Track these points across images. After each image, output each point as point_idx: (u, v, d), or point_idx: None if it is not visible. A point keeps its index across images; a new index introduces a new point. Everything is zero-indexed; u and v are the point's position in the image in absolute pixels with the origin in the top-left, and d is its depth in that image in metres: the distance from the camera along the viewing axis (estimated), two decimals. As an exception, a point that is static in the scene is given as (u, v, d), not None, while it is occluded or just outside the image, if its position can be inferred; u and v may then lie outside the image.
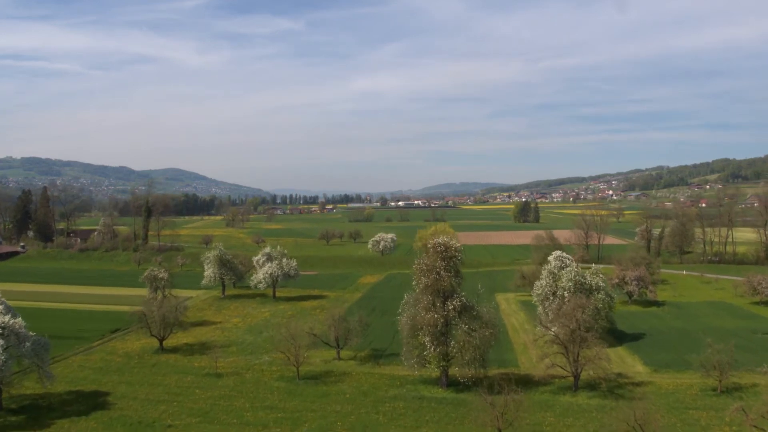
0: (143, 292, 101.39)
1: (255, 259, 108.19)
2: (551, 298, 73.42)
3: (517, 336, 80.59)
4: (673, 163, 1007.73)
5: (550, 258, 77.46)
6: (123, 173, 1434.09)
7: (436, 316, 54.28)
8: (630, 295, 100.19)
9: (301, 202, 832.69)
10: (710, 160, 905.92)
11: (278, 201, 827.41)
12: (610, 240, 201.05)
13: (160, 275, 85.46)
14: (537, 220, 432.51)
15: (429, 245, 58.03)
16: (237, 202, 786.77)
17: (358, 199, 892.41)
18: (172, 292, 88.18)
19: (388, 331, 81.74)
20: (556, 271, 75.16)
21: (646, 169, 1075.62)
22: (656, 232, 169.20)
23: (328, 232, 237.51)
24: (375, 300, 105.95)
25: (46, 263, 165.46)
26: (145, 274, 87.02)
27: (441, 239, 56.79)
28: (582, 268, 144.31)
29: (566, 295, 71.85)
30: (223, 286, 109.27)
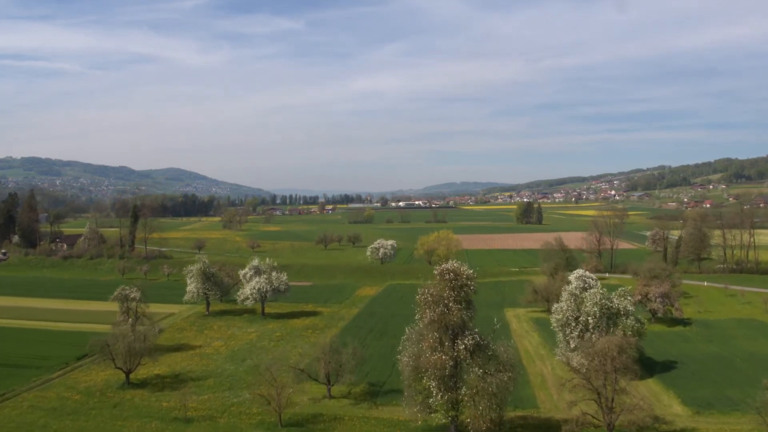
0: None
1: (242, 272, 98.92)
2: (573, 324, 64.30)
3: (533, 365, 71.44)
4: (674, 163, 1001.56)
5: (571, 278, 68.33)
6: (123, 173, 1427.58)
7: (444, 357, 45.12)
8: (654, 313, 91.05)
9: (301, 202, 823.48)
10: (712, 160, 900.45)
11: (278, 201, 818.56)
12: (619, 244, 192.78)
13: (132, 294, 76.34)
14: (540, 221, 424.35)
15: (435, 271, 48.85)
16: (236, 202, 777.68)
17: (359, 199, 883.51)
18: (146, 312, 78.96)
19: (387, 358, 72.59)
20: (578, 292, 66.01)
21: (648, 169, 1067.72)
22: (673, 237, 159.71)
23: (326, 236, 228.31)
24: (373, 318, 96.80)
25: (26, 272, 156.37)
26: (116, 293, 78.01)
27: (449, 264, 47.64)
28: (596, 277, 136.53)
29: (590, 321, 62.85)
30: (208, 303, 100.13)
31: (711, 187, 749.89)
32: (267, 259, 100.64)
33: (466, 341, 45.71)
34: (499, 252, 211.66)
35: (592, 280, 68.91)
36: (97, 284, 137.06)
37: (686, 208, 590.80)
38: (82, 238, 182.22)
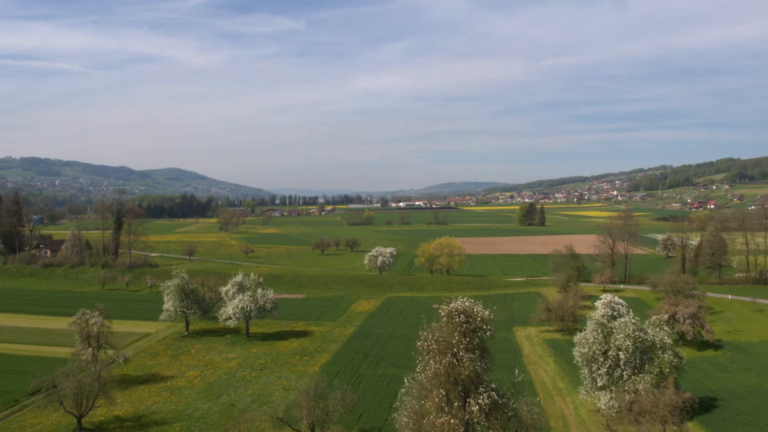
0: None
1: (223, 290, 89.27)
2: (601, 359, 54.91)
3: (551, 402, 61.93)
4: (675, 163, 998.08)
5: (598, 304, 58.91)
6: (123, 173, 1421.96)
7: (452, 420, 35.77)
8: (681, 335, 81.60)
9: (301, 202, 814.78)
10: (714, 160, 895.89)
11: (277, 202, 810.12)
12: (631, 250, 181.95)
13: (92, 320, 66.84)
14: (542, 222, 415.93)
15: (442, 312, 39.45)
16: (235, 202, 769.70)
17: (359, 199, 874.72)
18: (109, 340, 69.35)
19: (383, 394, 63.31)
20: (605, 321, 56.55)
21: (649, 169, 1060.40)
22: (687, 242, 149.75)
23: (323, 241, 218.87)
24: (369, 339, 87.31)
25: (2, 282, 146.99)
26: (73, 319, 68.51)
27: (460, 303, 38.26)
28: (607, 288, 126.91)
29: (622, 356, 53.47)
30: (187, 322, 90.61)
31: (714, 187, 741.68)
32: (252, 275, 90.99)
33: (480, 400, 36.26)
34: (503, 258, 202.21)
35: (622, 307, 59.45)
36: (75, 297, 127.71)
37: (690, 208, 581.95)
38: (65, 243, 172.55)
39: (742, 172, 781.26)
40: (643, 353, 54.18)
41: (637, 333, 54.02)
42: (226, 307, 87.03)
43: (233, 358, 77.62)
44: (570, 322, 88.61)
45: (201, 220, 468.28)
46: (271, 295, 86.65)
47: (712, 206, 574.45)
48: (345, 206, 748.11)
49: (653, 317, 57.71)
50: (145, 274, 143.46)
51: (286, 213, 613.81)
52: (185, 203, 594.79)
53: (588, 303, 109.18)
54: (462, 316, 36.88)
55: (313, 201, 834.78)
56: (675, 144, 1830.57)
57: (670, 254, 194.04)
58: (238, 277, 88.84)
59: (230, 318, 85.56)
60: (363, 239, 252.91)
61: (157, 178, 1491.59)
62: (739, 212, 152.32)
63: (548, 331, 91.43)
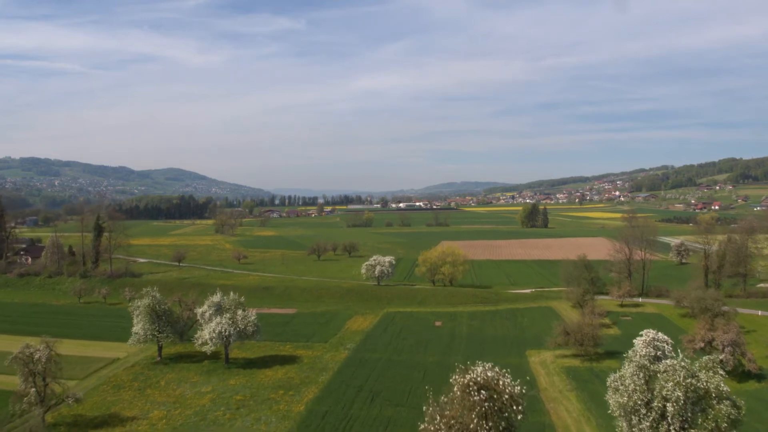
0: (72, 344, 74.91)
1: (199, 311, 79.02)
2: (643, 410, 44.86)
3: (580, 456, 51.94)
4: (676, 162, 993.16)
5: (637, 342, 48.76)
6: (122, 173, 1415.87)
7: None
8: (721, 365, 71.40)
9: (300, 203, 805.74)
10: (716, 160, 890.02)
11: (276, 202, 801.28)
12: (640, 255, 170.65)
13: (37, 356, 56.74)
14: (545, 224, 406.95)
15: (455, 385, 29.38)
16: (234, 203, 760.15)
17: (359, 200, 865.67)
18: (57, 378, 59.01)
19: (378, 444, 53.34)
20: (648, 363, 46.47)
21: (651, 169, 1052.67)
22: (700, 246, 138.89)
23: (319, 246, 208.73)
24: (364, 368, 77.21)
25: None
26: (16, 353, 58.43)
27: (480, 373, 28.27)
28: (625, 303, 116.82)
29: (670, 408, 43.46)
30: (159, 347, 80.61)
31: (717, 187, 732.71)
32: (231, 294, 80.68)
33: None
34: (507, 264, 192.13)
35: (667, 345, 49.29)
36: (48, 312, 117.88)
37: (694, 209, 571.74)
38: (45, 251, 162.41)
39: (745, 172, 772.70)
40: (695, 404, 44.21)
41: (689, 380, 44.00)
42: (202, 330, 76.93)
43: (207, 393, 67.53)
44: (590, 347, 78.64)
45: (198, 221, 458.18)
46: (252, 317, 76.56)
47: (717, 207, 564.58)
48: (344, 207, 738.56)
49: (705, 358, 47.65)
50: (126, 285, 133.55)
51: (284, 214, 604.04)
52: (183, 204, 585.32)
53: (606, 321, 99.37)
54: (483, 393, 26.85)
55: (312, 201, 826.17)
56: (676, 144, 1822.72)
57: (684, 260, 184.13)
58: (216, 297, 78.66)
59: (206, 343, 75.50)
60: (361, 243, 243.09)
61: (157, 179, 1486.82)
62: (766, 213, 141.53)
63: (565, 355, 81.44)
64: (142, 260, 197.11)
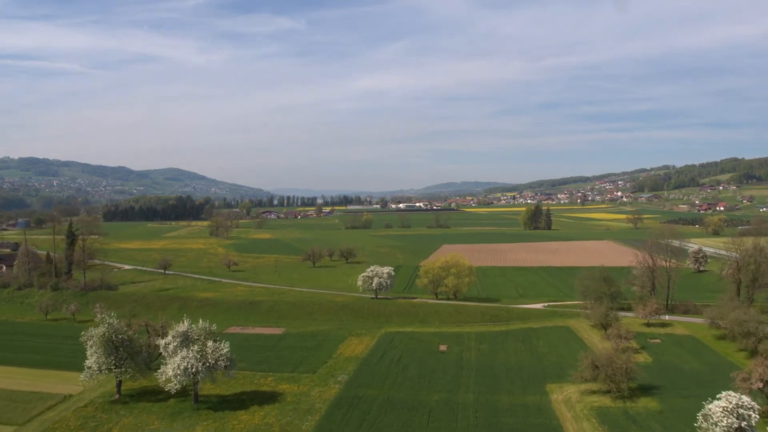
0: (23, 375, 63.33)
1: (162, 342, 66.99)
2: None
3: None
4: (677, 162, 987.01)
5: (715, 409, 37.17)
6: (122, 173, 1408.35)
7: None
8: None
9: (299, 203, 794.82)
10: (718, 159, 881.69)
11: (275, 203, 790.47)
12: (659, 263, 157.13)
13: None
14: (549, 226, 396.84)
15: None
16: (233, 203, 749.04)
17: (358, 200, 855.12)
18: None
19: None
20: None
21: (652, 169, 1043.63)
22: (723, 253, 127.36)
23: (314, 252, 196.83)
24: (358, 409, 65.27)
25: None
26: None
27: None
28: (651, 322, 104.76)
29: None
30: (118, 382, 68.73)
31: (721, 188, 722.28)
32: (201, 321, 68.53)
33: None
34: (514, 272, 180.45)
35: (754, 413, 37.59)
36: (10, 331, 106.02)
37: (699, 210, 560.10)
38: (16, 260, 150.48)
39: (748, 172, 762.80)
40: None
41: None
42: (166, 365, 65.04)
43: (167, 446, 55.81)
44: (623, 382, 66.92)
45: (193, 223, 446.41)
46: (225, 350, 64.58)
47: (722, 208, 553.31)
48: (344, 207, 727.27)
49: (738, 381, 36.10)
50: (100, 299, 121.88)
51: (282, 215, 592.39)
52: (179, 205, 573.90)
53: (634, 344, 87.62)
54: None
55: (311, 202, 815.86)
56: (676, 143, 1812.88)
57: (702, 268, 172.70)
58: (183, 326, 66.58)
59: (171, 381, 63.67)
60: (360, 247, 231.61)
61: (156, 178, 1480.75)
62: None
63: (593, 391, 69.58)
64: (127, 267, 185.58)
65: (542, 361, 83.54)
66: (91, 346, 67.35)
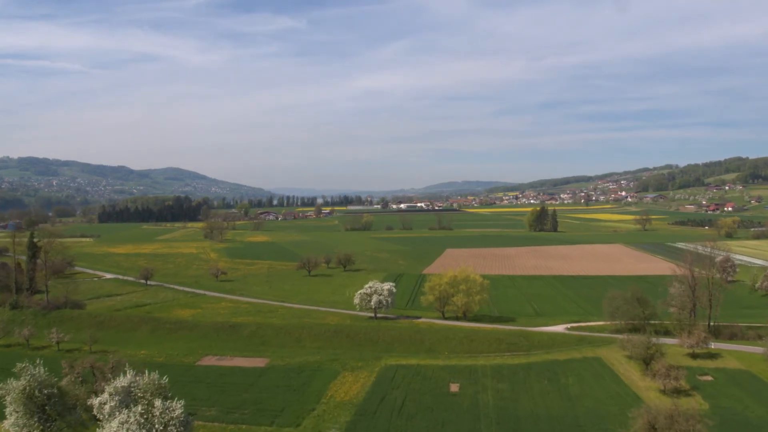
0: None
1: (96, 401, 52.00)
2: None
3: None
4: (680, 162, 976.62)
5: None
6: (122, 173, 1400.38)
7: None
8: None
9: (299, 203, 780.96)
10: (721, 159, 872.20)
11: (275, 203, 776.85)
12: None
13: None
14: (555, 228, 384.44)
15: None
16: (232, 203, 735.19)
17: (358, 200, 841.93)
18: None
19: None
20: None
21: (655, 168, 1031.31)
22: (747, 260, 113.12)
23: (310, 260, 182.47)
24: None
25: None
26: None
27: None
28: (696, 352, 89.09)
29: None
30: (46, 448, 54.06)
31: (727, 188, 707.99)
32: (147, 373, 53.51)
33: None
34: (525, 281, 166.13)
35: None
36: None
37: (707, 211, 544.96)
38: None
39: (753, 172, 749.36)
40: None
41: None
42: (101, 429, 50.25)
43: None
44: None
45: (189, 224, 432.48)
46: (178, 411, 49.57)
47: (730, 209, 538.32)
48: (344, 208, 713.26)
49: None
50: (63, 321, 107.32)
51: (281, 216, 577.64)
52: (176, 206, 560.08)
53: (684, 385, 72.99)
54: None
55: (311, 202, 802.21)
56: (678, 143, 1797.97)
57: (731, 278, 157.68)
58: (124, 380, 51.67)
59: (107, 453, 48.93)
60: (359, 252, 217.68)
61: (157, 178, 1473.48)
62: None
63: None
64: (108, 276, 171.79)
65: (575, 407, 68.77)
66: (10, 404, 52.66)
